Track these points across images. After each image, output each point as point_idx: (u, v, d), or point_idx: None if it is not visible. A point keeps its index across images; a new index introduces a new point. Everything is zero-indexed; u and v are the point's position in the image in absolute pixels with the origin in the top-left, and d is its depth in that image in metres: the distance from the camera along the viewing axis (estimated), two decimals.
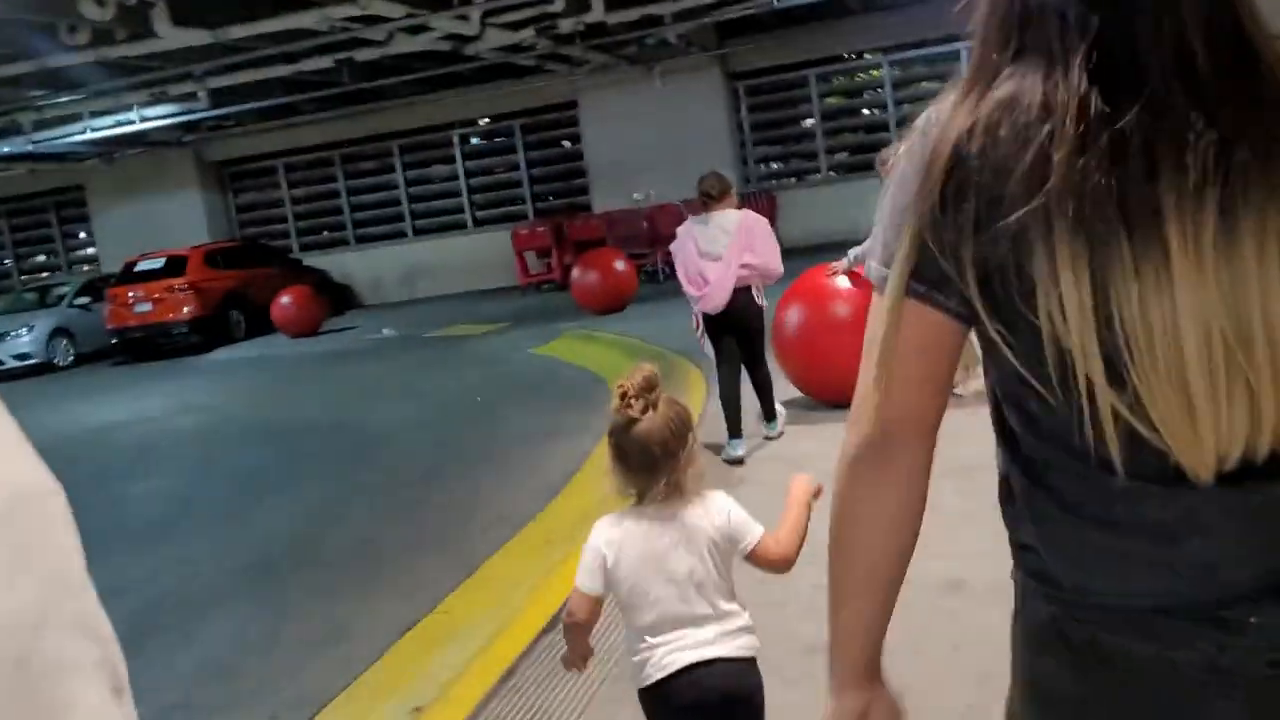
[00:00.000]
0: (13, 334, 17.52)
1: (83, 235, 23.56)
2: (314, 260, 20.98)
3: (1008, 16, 1.00)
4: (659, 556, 2.09)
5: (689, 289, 5.62)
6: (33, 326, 17.67)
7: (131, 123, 16.16)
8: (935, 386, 1.08)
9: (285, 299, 16.57)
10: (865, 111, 19.64)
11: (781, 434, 5.94)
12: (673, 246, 5.86)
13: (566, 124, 20.31)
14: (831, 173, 19.01)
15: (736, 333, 5.62)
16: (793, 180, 19.42)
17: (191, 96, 15.50)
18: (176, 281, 17.11)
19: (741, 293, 5.54)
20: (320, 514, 5.97)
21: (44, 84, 13.39)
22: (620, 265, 12.93)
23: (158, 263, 17.66)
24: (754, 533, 2.14)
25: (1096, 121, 0.91)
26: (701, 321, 5.71)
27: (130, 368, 16.83)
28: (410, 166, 21.61)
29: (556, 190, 20.90)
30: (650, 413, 2.09)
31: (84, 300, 18.52)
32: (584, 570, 2.13)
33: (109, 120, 16.30)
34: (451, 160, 21.30)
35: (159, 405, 11.50)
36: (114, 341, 17.66)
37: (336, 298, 20.40)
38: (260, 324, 17.06)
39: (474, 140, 21.41)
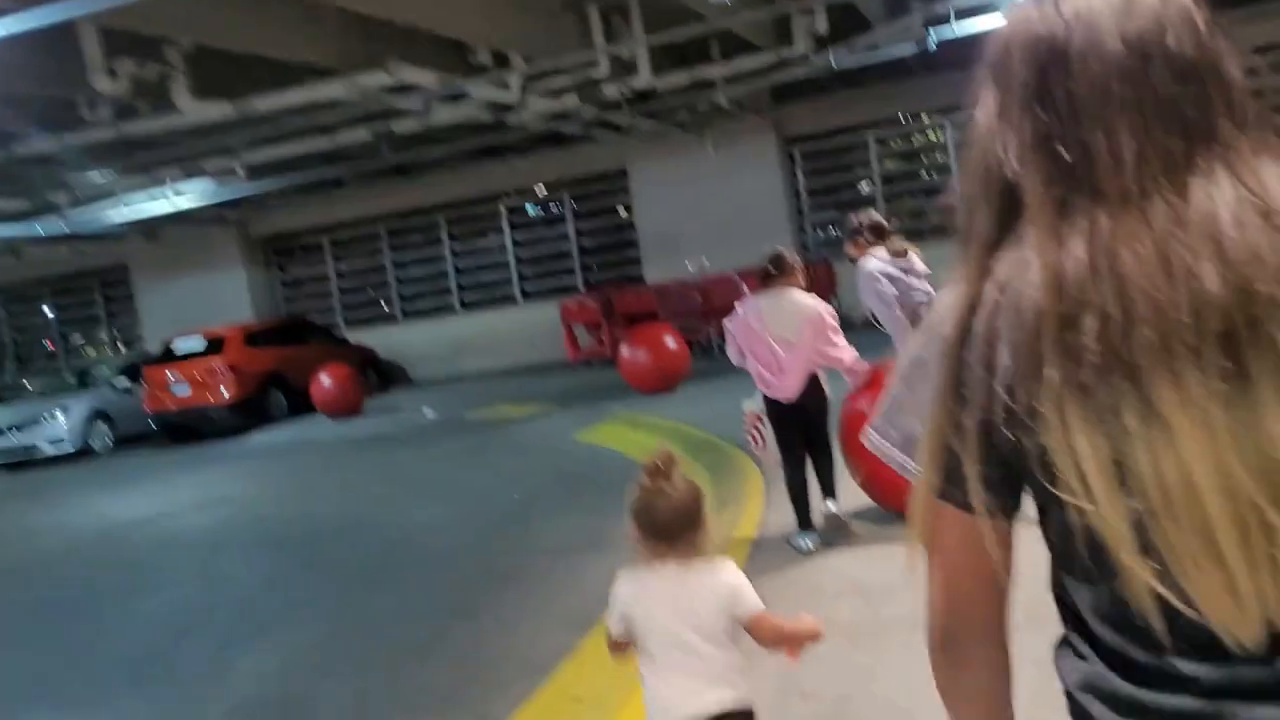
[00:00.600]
0: (49, 418, 17.06)
1: (128, 315, 23.28)
2: (360, 336, 20.47)
3: (990, 189, 0.99)
4: (675, 611, 2.35)
5: (760, 374, 5.32)
6: (69, 410, 17.20)
7: (166, 197, 15.77)
8: (989, 585, 1.06)
9: (325, 379, 15.94)
10: (925, 175, 18.77)
11: (842, 523, 5.38)
12: (730, 325, 5.48)
13: (617, 193, 19.71)
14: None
15: (803, 421, 5.34)
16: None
17: (229, 172, 15.10)
18: (215, 362, 16.57)
19: (810, 379, 5.31)
20: (317, 656, 5.11)
21: (74, 163, 13.03)
22: (671, 343, 12.08)
23: (197, 343, 17.18)
24: (754, 605, 2.39)
25: (1080, 287, 0.90)
26: (765, 410, 5.44)
27: (168, 453, 16.27)
28: (457, 239, 21.10)
29: (607, 261, 20.22)
30: (673, 486, 2.39)
31: (124, 382, 18.05)
32: (611, 618, 2.44)
33: (144, 198, 15.93)
34: (499, 232, 20.74)
35: (185, 499, 10.81)
36: (152, 426, 17.15)
37: (382, 375, 19.87)
38: (303, 403, 16.43)
39: (522, 211, 20.84)
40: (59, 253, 21.77)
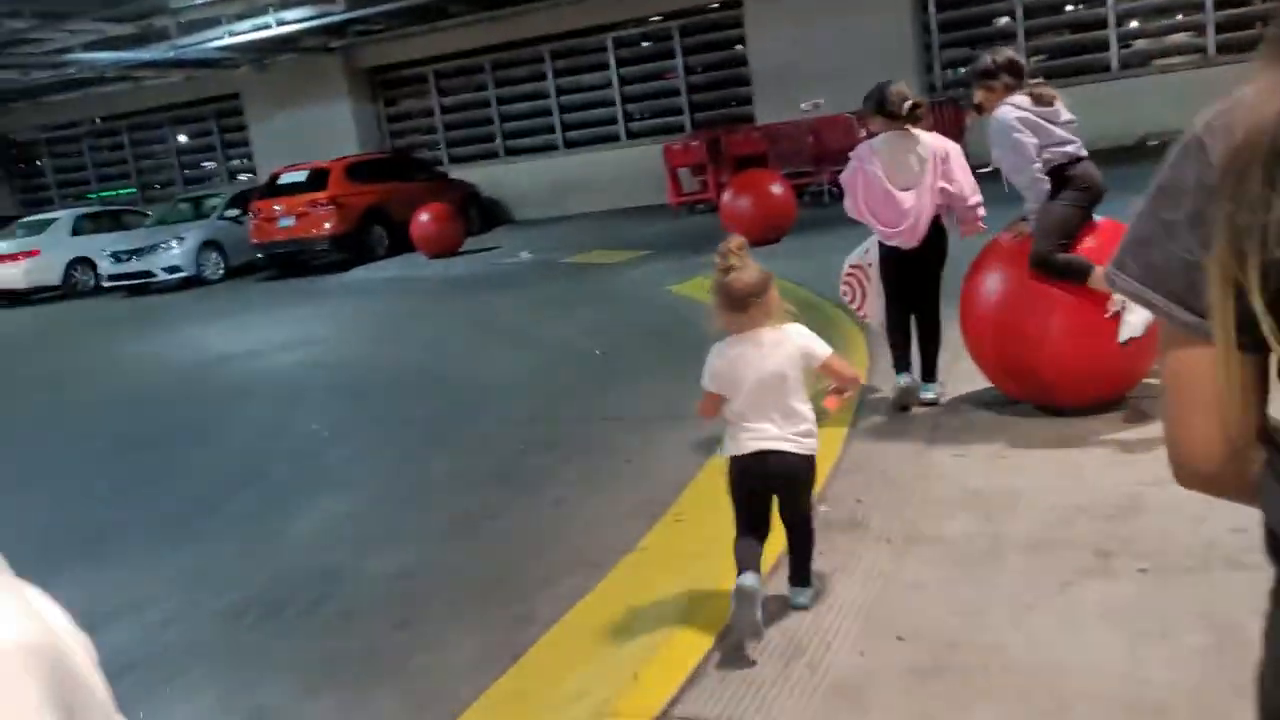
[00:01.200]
0: (163, 247, 17.26)
1: (243, 145, 23.22)
2: (464, 173, 20.03)
3: None
4: (754, 363, 2.97)
5: (879, 225, 4.95)
6: (183, 239, 17.36)
7: (268, 26, 15.30)
8: (1236, 420, 0.95)
9: (425, 216, 15.63)
10: (1073, 7, 17.02)
11: (939, 399, 4.98)
12: (849, 173, 5.03)
13: (730, 25, 18.48)
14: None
15: (919, 269, 4.98)
16: None
17: None
18: (318, 196, 16.39)
19: (935, 227, 4.93)
20: (366, 524, 4.80)
21: None
22: (777, 189, 11.27)
23: (300, 176, 16.98)
24: (825, 351, 3.06)
25: None
26: (879, 260, 5.11)
27: (273, 284, 16.35)
28: (562, 74, 20.22)
29: (718, 100, 19.16)
30: (744, 265, 2.96)
31: (234, 213, 18.05)
32: (707, 375, 3.06)
33: (247, 25, 15.49)
34: (605, 67, 19.76)
35: (275, 336, 10.71)
36: (259, 257, 17.20)
37: (484, 213, 19.49)
38: (405, 239, 16.16)
39: (630, 44, 19.73)
40: (175, 82, 21.79)
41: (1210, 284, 0.90)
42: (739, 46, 18.39)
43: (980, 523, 3.55)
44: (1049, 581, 3.02)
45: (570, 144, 20.39)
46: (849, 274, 5.34)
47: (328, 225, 16.32)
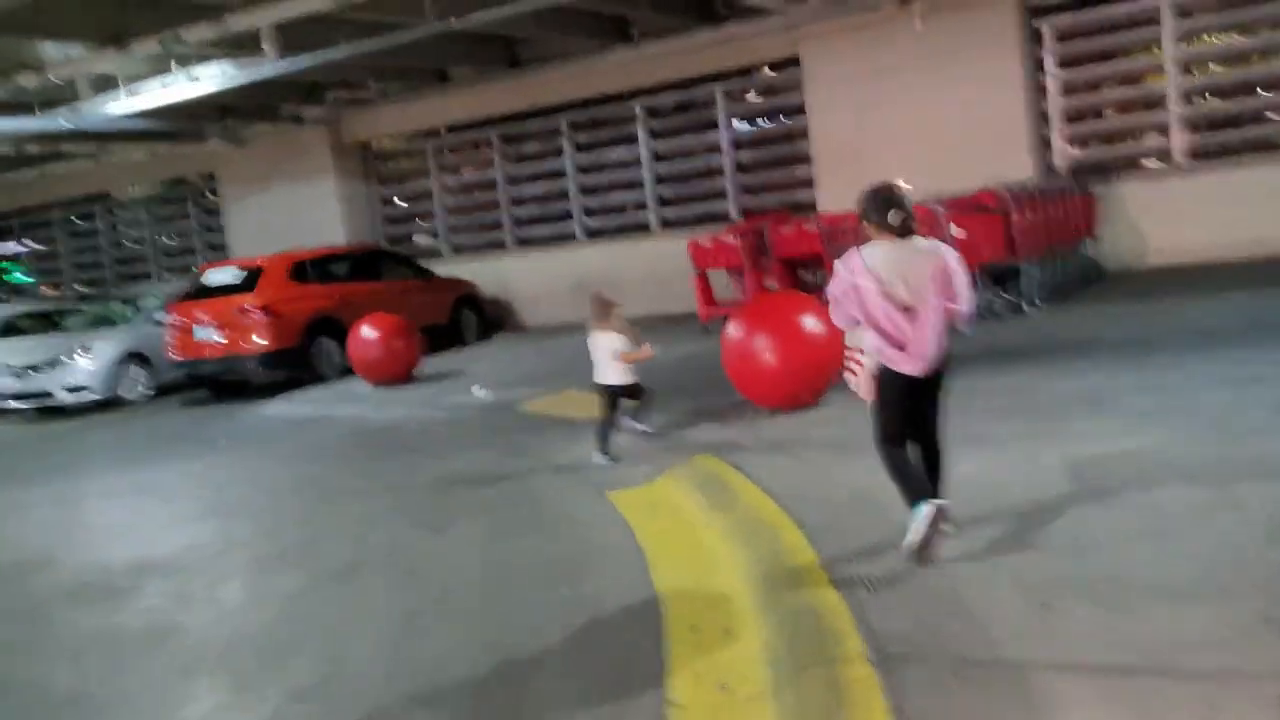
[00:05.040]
0: (68, 360, 13.72)
1: (218, 230, 19.96)
2: (465, 268, 16.37)
3: None
4: (601, 347, 6.97)
5: (881, 348, 4.23)
6: (90, 350, 13.80)
7: (170, 87, 11.91)
8: None
9: (364, 333, 11.87)
10: (1248, 65, 12.69)
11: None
12: (839, 288, 4.27)
13: (785, 89, 14.60)
14: (1189, 159, 12.28)
15: (927, 394, 4.30)
16: (1123, 170, 12.73)
17: (240, 46, 11.05)
18: (246, 301, 12.79)
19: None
20: None
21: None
22: (811, 324, 7.11)
23: (231, 275, 13.44)
24: (625, 348, 6.90)
25: None
26: (880, 378, 4.26)
27: (185, 415, 12.68)
28: (582, 149, 16.51)
29: (773, 182, 15.21)
30: (603, 302, 7.14)
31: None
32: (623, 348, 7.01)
33: (154, 84, 12.13)
34: (633, 140, 15.97)
35: (58, 523, 6.97)
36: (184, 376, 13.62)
37: (483, 317, 15.79)
38: None
39: (663, 114, 15.91)
40: (140, 160, 18.82)
41: None
42: (795, 116, 14.48)
43: None
44: None
45: (591, 233, 16.61)
46: (848, 355, 4.45)
47: (257, 339, 12.67)
